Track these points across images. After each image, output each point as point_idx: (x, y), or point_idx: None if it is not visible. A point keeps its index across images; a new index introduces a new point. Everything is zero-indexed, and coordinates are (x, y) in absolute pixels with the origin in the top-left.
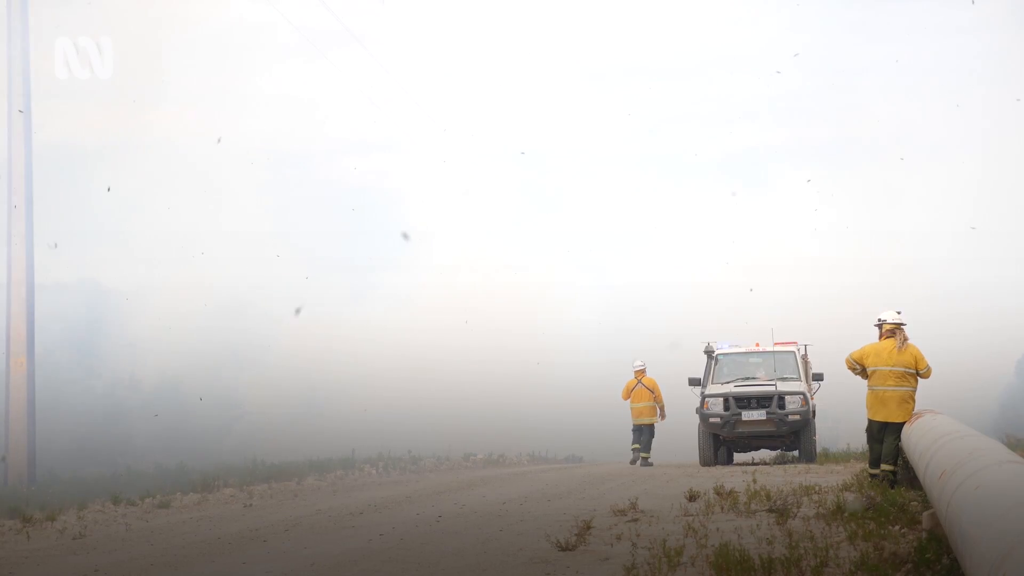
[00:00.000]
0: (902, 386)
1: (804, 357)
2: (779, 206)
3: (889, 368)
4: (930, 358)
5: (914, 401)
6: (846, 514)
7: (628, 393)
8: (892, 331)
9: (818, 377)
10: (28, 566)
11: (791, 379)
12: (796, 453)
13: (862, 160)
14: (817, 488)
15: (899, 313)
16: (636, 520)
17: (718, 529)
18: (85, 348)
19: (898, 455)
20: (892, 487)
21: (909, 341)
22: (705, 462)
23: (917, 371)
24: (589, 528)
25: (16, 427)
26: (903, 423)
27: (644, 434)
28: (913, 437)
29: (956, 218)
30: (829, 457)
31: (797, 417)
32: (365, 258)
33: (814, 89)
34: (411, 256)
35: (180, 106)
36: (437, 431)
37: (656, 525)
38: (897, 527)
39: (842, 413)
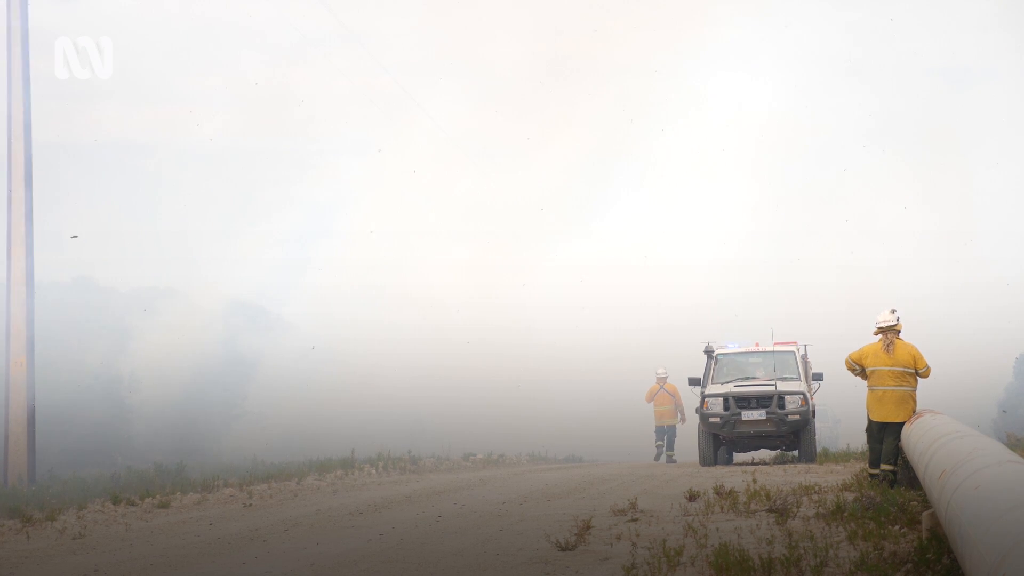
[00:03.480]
0: (901, 386)
1: (804, 357)
2: (778, 205)
3: (888, 368)
4: (930, 358)
5: (914, 401)
6: (846, 514)
7: (651, 397)
8: (883, 331)
9: (818, 377)
10: (28, 566)
11: (791, 379)
12: (796, 453)
13: (863, 159)
14: (817, 488)
15: (893, 312)
16: (636, 520)
17: (718, 529)
18: (85, 348)
19: (898, 455)
20: (892, 487)
21: (900, 340)
22: (705, 462)
23: (916, 371)
24: (589, 528)
25: (16, 427)
26: (903, 423)
27: (667, 434)
28: (913, 437)
29: (956, 218)
30: (829, 457)
31: (797, 417)
32: (365, 259)
33: (813, 88)
34: (411, 257)
35: (180, 106)
36: (437, 431)
37: (656, 525)
38: (897, 527)
39: (842, 413)
